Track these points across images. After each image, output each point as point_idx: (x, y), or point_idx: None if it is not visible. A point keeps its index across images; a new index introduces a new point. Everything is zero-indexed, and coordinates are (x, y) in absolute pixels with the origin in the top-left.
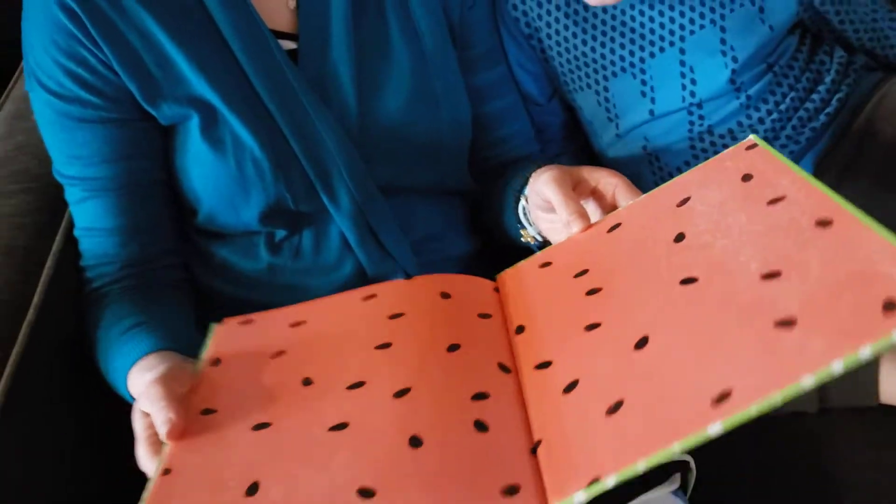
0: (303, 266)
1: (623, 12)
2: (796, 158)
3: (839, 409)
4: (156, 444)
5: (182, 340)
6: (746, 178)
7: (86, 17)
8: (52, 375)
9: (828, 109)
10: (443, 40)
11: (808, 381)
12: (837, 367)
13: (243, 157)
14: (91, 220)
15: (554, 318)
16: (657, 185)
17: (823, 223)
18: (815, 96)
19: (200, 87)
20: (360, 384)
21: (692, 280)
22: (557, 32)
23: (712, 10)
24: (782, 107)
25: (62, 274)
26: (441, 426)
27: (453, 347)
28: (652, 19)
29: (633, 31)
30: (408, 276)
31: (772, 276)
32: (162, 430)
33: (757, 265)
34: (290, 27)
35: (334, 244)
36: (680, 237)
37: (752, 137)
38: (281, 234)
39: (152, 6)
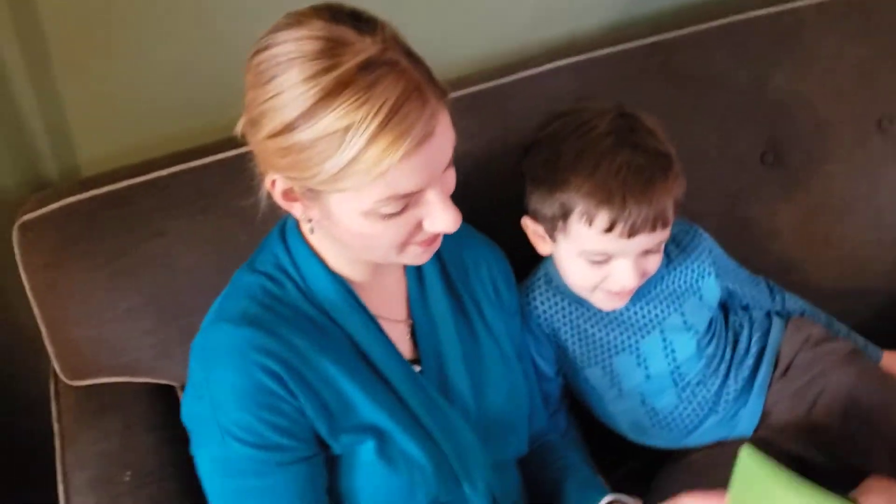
0: None
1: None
2: (745, 388)
3: None
4: None
5: None
6: None
7: (285, 374)
8: None
9: (752, 350)
10: (511, 341)
11: None
12: None
13: (412, 468)
14: None
15: None
16: (654, 427)
17: None
18: (740, 346)
19: (373, 415)
20: None
21: None
22: (571, 324)
23: (673, 302)
24: (727, 357)
25: None
26: None
27: None
28: (636, 313)
29: (626, 321)
30: None
31: None
32: None
33: None
34: (410, 354)
35: None
36: None
37: None
38: None
39: (329, 354)
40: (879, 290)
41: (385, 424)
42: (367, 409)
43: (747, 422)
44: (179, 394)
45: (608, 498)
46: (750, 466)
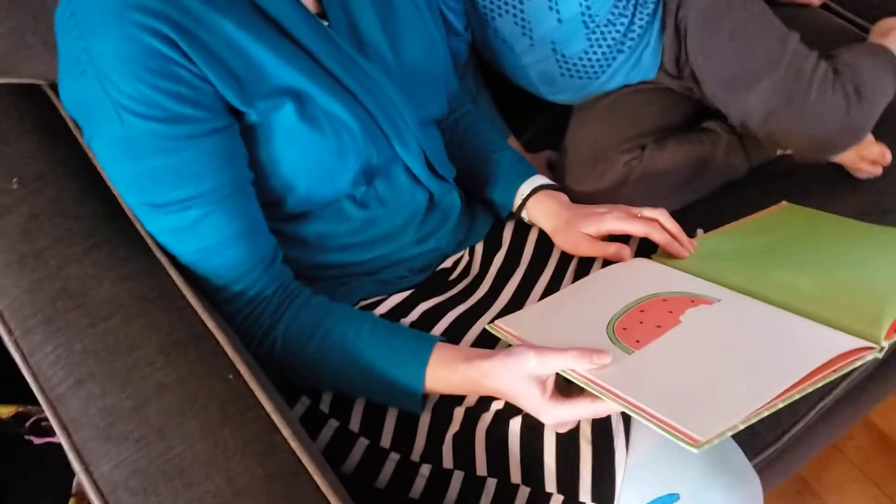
0: (389, 210)
1: None
2: (648, 25)
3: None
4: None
5: None
6: None
7: (176, 36)
8: None
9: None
10: None
11: None
12: None
13: (339, 129)
14: (218, 232)
15: None
16: (563, 76)
17: None
18: None
19: (287, 76)
20: None
21: None
22: None
23: None
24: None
25: None
26: None
27: None
28: None
29: None
30: (459, 195)
31: None
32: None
33: None
34: (315, 8)
35: (403, 183)
36: None
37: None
38: (361, 190)
39: (227, 13)
40: None
41: (302, 85)
42: (280, 71)
43: (649, 64)
44: (48, 91)
45: (531, 185)
46: (792, 212)
